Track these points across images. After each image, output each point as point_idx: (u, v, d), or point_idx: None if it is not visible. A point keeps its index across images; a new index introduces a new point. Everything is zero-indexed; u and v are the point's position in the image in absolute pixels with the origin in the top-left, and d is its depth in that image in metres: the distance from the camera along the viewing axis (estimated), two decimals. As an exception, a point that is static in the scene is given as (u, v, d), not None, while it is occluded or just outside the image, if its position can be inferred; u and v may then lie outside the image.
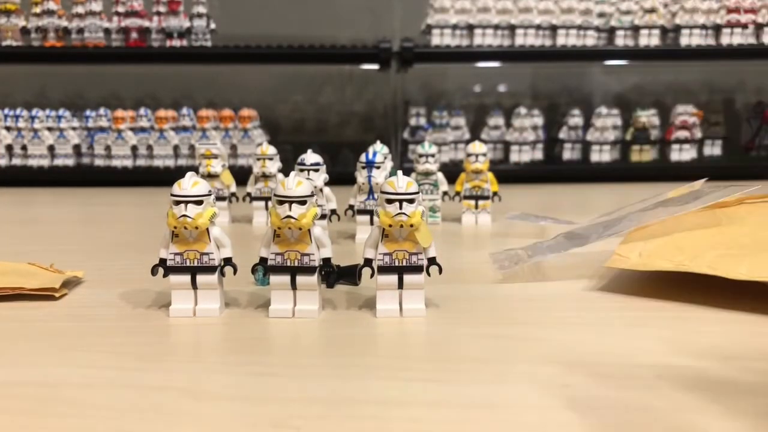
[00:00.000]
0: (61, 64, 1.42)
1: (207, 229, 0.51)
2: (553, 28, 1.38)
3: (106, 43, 1.36)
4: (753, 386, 0.39)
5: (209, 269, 0.51)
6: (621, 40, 1.40)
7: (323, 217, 0.78)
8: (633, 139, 1.43)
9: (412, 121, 1.45)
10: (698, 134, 1.44)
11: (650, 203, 0.70)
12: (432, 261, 0.51)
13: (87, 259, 0.71)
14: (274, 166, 0.89)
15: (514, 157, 1.44)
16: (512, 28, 1.37)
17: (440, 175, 0.91)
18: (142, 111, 1.35)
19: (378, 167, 0.79)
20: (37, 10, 1.35)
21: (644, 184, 1.28)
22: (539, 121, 1.47)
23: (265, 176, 0.89)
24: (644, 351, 0.44)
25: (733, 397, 0.37)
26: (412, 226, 0.49)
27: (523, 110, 1.45)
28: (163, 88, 1.57)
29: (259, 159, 0.88)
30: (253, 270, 0.53)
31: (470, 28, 1.37)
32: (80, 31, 1.35)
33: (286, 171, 0.71)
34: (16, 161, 1.36)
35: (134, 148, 1.35)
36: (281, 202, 0.49)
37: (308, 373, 0.41)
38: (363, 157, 0.79)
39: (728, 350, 0.44)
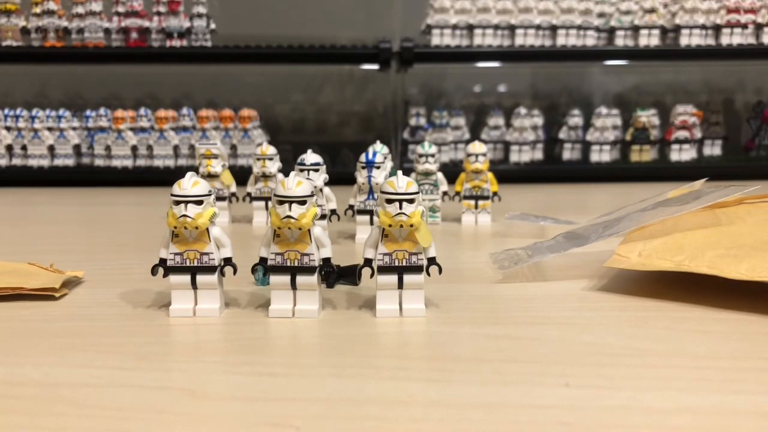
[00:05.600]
0: (61, 64, 1.42)
1: (207, 229, 0.51)
2: (553, 28, 1.38)
3: (106, 43, 1.36)
4: (752, 386, 0.39)
5: (209, 269, 0.51)
6: (621, 40, 1.40)
7: (323, 217, 0.78)
8: (633, 139, 1.43)
9: (412, 121, 1.45)
10: (698, 134, 1.44)
11: (650, 203, 0.70)
12: (432, 261, 0.51)
13: (87, 259, 0.71)
14: (274, 166, 0.89)
15: (514, 157, 1.44)
16: (512, 28, 1.37)
17: (440, 175, 0.91)
18: (142, 111, 1.35)
19: (378, 167, 0.79)
20: (37, 10, 1.35)
21: (644, 184, 1.28)
22: (539, 121, 1.47)
23: (265, 176, 0.89)
24: (644, 351, 0.44)
25: (732, 396, 0.37)
26: (412, 226, 0.49)
27: (523, 110, 1.45)
28: (163, 88, 1.57)
29: (259, 159, 0.88)
30: (253, 270, 0.53)
31: (470, 28, 1.37)
32: (80, 31, 1.35)
33: (286, 171, 0.71)
34: (16, 161, 1.36)
35: (134, 148, 1.35)
36: (281, 202, 0.49)
37: (308, 373, 0.41)
38: (363, 157, 0.79)
39: (728, 350, 0.44)
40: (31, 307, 0.54)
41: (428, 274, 0.51)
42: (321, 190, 0.79)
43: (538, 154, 1.45)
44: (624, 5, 1.40)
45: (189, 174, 0.51)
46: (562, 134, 1.45)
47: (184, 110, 1.37)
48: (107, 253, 0.75)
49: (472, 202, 0.91)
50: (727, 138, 1.47)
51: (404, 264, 0.51)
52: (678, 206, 0.64)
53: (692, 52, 1.38)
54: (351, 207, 0.81)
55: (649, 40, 1.39)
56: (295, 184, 0.49)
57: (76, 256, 0.73)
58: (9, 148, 1.36)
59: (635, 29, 1.40)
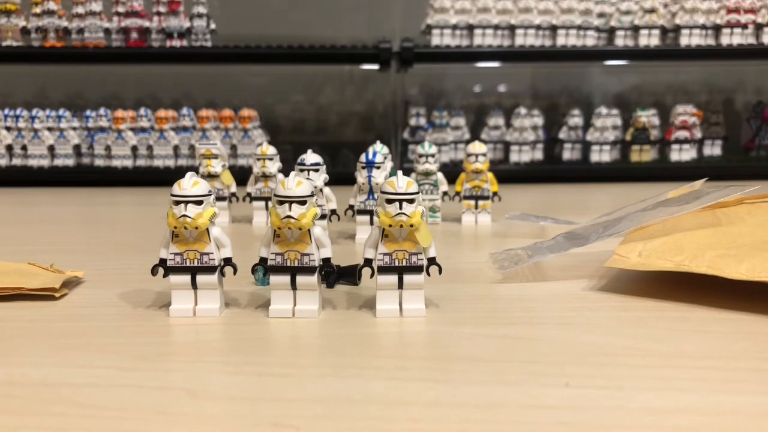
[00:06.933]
0: (61, 64, 1.42)
1: (207, 229, 0.51)
2: (553, 28, 1.38)
3: (106, 43, 1.36)
4: (752, 386, 0.39)
5: (209, 269, 0.51)
6: (621, 40, 1.40)
7: (323, 217, 0.78)
8: (633, 139, 1.43)
9: (412, 121, 1.45)
10: (698, 134, 1.44)
11: (650, 203, 0.70)
12: (432, 261, 0.51)
13: (87, 259, 0.71)
14: (274, 166, 0.89)
15: (514, 157, 1.44)
16: (512, 28, 1.37)
17: (440, 175, 0.91)
18: (142, 111, 1.35)
19: (378, 167, 0.79)
20: (37, 10, 1.35)
21: (644, 184, 1.28)
22: (539, 121, 1.47)
23: (265, 176, 0.89)
24: (644, 351, 0.44)
25: (732, 396, 0.37)
26: (412, 226, 0.49)
27: (523, 110, 1.45)
28: (163, 88, 1.57)
29: (259, 159, 0.88)
30: (253, 270, 0.53)
31: (470, 28, 1.37)
32: (80, 31, 1.35)
33: (286, 171, 0.71)
34: (16, 161, 1.36)
35: (134, 148, 1.35)
36: (281, 202, 0.49)
37: (308, 373, 0.41)
38: (363, 157, 0.79)
39: (728, 350, 0.44)
40: (31, 307, 0.54)
41: (428, 274, 0.51)
42: (321, 190, 0.79)
43: (538, 154, 1.45)
44: (624, 5, 1.40)
45: (189, 174, 0.51)
46: (562, 134, 1.45)
47: (184, 110, 1.37)
48: (107, 253, 0.75)
49: (472, 202, 0.91)
50: (727, 138, 1.47)
51: (404, 264, 0.51)
52: (678, 206, 0.64)
53: (692, 52, 1.38)
54: (351, 207, 0.81)
55: (649, 40, 1.39)
56: (295, 184, 0.49)
57: (76, 256, 0.73)
58: (9, 148, 1.36)
59: (635, 29, 1.40)
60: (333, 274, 0.57)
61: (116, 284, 0.61)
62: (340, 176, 0.99)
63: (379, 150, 0.82)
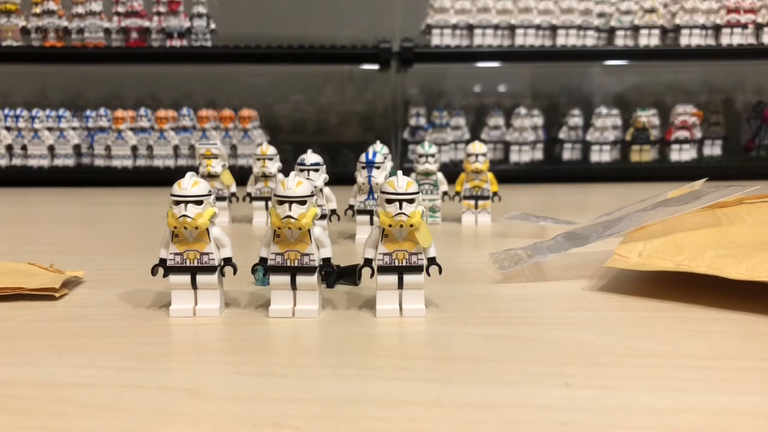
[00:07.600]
0: (61, 64, 1.42)
1: (207, 229, 0.51)
2: (553, 28, 1.38)
3: (106, 43, 1.36)
4: (752, 386, 0.39)
5: (209, 269, 0.51)
6: (621, 40, 1.40)
7: (323, 217, 0.78)
8: (633, 139, 1.43)
9: (412, 121, 1.45)
10: (698, 134, 1.44)
11: (650, 203, 0.70)
12: (432, 261, 0.51)
13: (87, 259, 0.71)
14: (274, 166, 0.89)
15: (514, 157, 1.44)
16: (512, 28, 1.37)
17: (440, 175, 0.91)
18: (142, 111, 1.35)
19: (378, 167, 0.79)
20: (37, 10, 1.35)
21: (644, 184, 1.28)
22: (539, 121, 1.47)
23: (265, 176, 0.89)
24: (644, 351, 0.44)
25: (732, 396, 0.37)
26: (412, 226, 0.49)
27: (523, 110, 1.45)
28: (163, 88, 1.57)
29: (259, 159, 0.88)
30: (253, 270, 0.53)
31: (470, 28, 1.37)
32: (80, 31, 1.35)
33: (286, 171, 0.71)
34: (16, 161, 1.36)
35: (134, 148, 1.35)
36: (281, 202, 0.49)
37: (308, 373, 0.41)
38: (363, 157, 0.79)
39: (728, 350, 0.44)
40: (31, 307, 0.54)
41: (428, 274, 0.51)
42: (321, 190, 0.79)
43: (538, 154, 1.45)
44: (624, 5, 1.40)
45: (189, 174, 0.51)
46: (562, 134, 1.45)
47: (184, 110, 1.37)
48: (107, 253, 0.75)
49: (472, 202, 0.91)
50: (727, 138, 1.47)
51: (404, 264, 0.51)
52: (678, 206, 0.64)
53: (692, 52, 1.38)
54: (351, 207, 0.81)
55: (649, 40, 1.39)
56: (295, 184, 0.49)
57: (76, 256, 0.73)
58: (9, 148, 1.36)
59: (635, 29, 1.40)
60: (333, 274, 0.57)
61: (116, 284, 0.61)
62: (340, 176, 0.99)
63: (379, 150, 0.82)
